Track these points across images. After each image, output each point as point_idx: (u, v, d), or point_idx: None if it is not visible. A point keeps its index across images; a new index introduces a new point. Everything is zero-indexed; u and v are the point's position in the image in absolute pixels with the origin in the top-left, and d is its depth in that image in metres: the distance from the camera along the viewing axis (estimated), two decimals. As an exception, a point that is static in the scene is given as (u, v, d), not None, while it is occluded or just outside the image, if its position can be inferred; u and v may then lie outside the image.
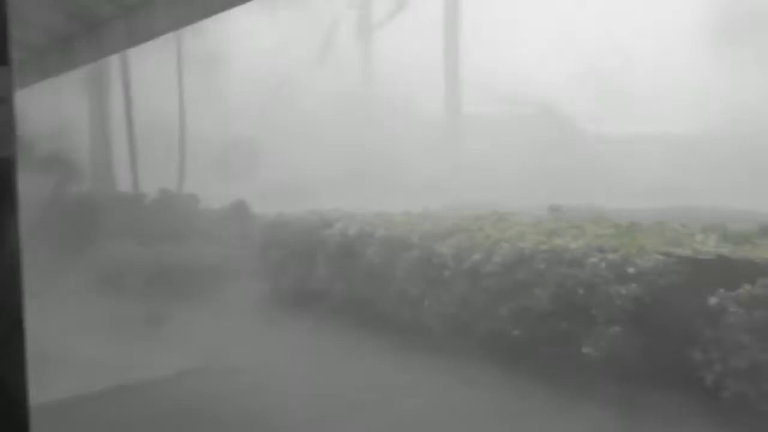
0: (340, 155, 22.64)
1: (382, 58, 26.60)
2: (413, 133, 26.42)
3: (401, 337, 7.31)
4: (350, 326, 7.95)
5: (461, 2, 24.92)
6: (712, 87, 22.71)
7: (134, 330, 8.15)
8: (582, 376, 5.67)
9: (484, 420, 5.43)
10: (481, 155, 22.58)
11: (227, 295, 9.83)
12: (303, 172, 22.01)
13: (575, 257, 5.90)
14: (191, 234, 11.57)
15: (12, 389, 1.32)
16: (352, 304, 8.23)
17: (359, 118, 24.12)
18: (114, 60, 14.37)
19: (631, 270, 5.48)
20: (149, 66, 15.85)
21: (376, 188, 18.42)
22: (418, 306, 7.22)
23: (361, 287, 8.08)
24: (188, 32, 14.36)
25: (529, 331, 6.09)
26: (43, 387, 3.25)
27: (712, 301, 4.90)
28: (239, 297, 9.81)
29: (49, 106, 14.73)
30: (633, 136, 23.16)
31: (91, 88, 16.08)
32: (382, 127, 23.85)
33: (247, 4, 5.41)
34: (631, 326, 5.42)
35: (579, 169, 20.22)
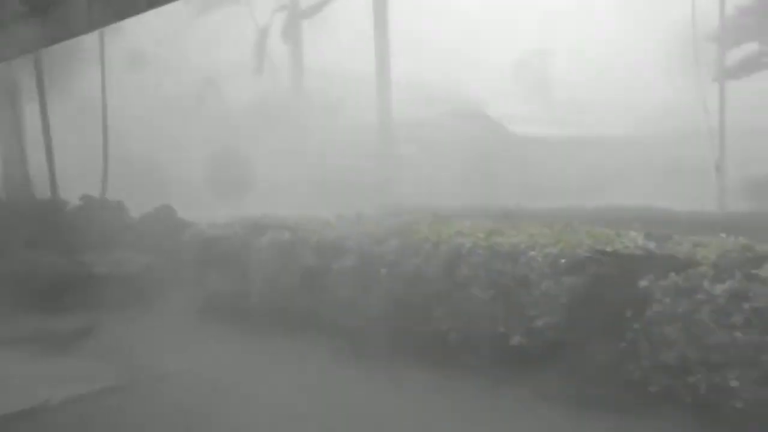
0: (272, 159, 22.24)
1: (311, 63, 26.39)
2: (345, 137, 26.32)
3: (337, 342, 7.19)
4: (284, 333, 7.75)
5: (391, 6, 24.94)
6: (637, 92, 23.65)
7: (50, 344, 7.69)
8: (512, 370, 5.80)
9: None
10: (413, 158, 22.73)
11: (154, 305, 9.44)
12: (233, 176, 21.50)
13: (512, 254, 5.97)
14: (116, 242, 11.05)
15: None
16: (287, 310, 8.05)
17: (289, 122, 23.80)
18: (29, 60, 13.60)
19: (564, 264, 5.59)
20: (68, 67, 15.12)
21: (309, 193, 18.22)
22: (355, 310, 7.13)
23: (297, 293, 7.92)
24: (111, 33, 13.81)
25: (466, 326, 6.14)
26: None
27: (642, 284, 5.05)
28: (166, 307, 9.43)
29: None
30: (561, 139, 23.87)
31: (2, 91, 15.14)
32: (313, 131, 23.62)
33: (174, 5, 5.21)
34: (564, 318, 5.53)
35: (511, 171, 20.66)
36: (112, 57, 16.80)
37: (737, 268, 4.87)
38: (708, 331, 4.75)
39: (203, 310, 9.25)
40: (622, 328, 5.19)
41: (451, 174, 20.90)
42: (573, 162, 21.59)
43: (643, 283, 5.09)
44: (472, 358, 6.10)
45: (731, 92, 19.41)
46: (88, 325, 8.41)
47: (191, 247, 9.59)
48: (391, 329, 6.78)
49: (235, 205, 11.63)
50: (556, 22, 26.53)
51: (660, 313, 4.97)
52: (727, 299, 4.72)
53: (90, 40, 13.91)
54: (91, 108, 15.39)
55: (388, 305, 6.84)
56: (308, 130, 23.28)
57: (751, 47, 21.65)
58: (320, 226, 8.07)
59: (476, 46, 26.78)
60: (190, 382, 6.44)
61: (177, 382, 6.45)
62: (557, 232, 6.27)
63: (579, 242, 5.78)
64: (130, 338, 8.10)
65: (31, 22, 5.87)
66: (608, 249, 5.52)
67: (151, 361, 7.11)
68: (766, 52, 21.77)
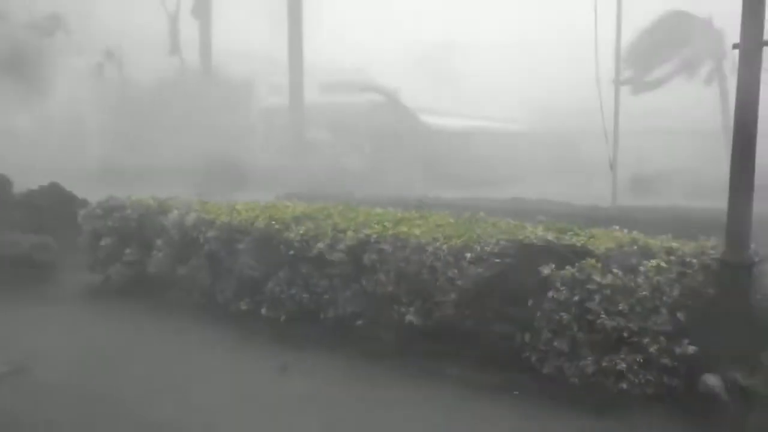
0: (179, 141, 21.44)
1: (222, 42, 25.58)
2: (255, 119, 25.75)
3: (240, 325, 7.08)
4: (185, 315, 7.54)
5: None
6: (543, 89, 24.57)
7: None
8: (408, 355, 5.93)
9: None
10: (326, 144, 22.61)
11: (48, 288, 8.90)
12: (137, 155, 20.59)
13: (419, 243, 6.06)
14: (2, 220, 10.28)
15: None
16: (189, 291, 7.83)
17: (197, 103, 23.01)
18: None
19: (468, 255, 5.75)
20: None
21: (218, 176, 17.74)
22: (259, 293, 7.03)
23: (199, 274, 7.70)
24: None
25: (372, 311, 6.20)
26: None
27: (545, 272, 5.30)
28: (61, 290, 8.91)
29: None
30: (470, 130, 24.47)
31: None
32: (220, 111, 22.94)
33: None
34: (469, 305, 5.70)
35: (422, 160, 20.97)
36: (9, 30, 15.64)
37: (623, 261, 5.19)
38: (597, 317, 5.04)
39: (98, 291, 8.83)
40: (523, 314, 5.41)
41: (364, 161, 20.96)
42: (481, 154, 22.22)
43: (545, 271, 5.32)
44: (376, 343, 6.17)
45: (626, 98, 20.57)
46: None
47: (86, 226, 9.10)
48: (299, 312, 6.75)
49: (132, 186, 11.10)
50: (471, 14, 27.07)
51: (557, 301, 5.21)
52: (613, 290, 5.03)
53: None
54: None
55: (295, 288, 6.79)
56: (216, 111, 22.58)
57: (648, 62, 23.22)
58: (227, 210, 7.87)
59: (390, 35, 26.89)
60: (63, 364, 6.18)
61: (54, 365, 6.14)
62: (464, 222, 6.42)
63: (484, 233, 5.95)
64: (19, 323, 7.58)
65: None
66: (511, 240, 5.71)
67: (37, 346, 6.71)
68: (661, 67, 23.42)
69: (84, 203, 10.06)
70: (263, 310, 7.01)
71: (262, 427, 5.05)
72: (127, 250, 8.62)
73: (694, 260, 5.21)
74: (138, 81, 24.29)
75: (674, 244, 5.45)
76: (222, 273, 7.49)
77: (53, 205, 10.50)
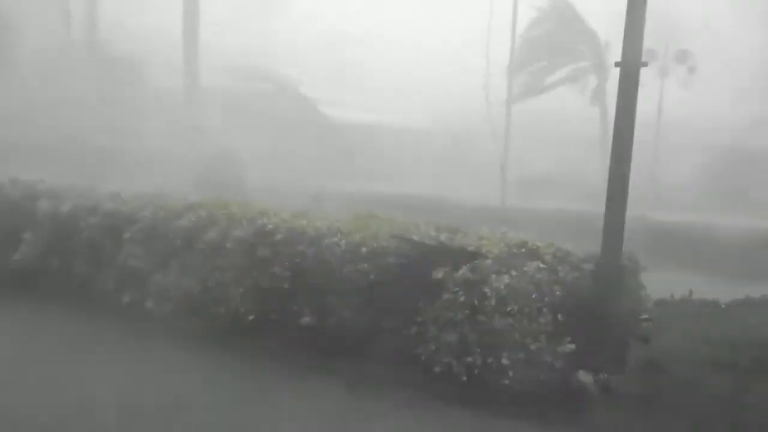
0: (52, 120, 19.91)
1: (109, 15, 24.03)
2: (144, 100, 24.45)
3: (119, 320, 6.70)
4: (59, 310, 7.02)
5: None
6: (442, 88, 25.02)
7: None
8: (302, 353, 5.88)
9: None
10: (221, 131, 21.83)
11: None
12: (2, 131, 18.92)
13: (315, 237, 6.02)
14: None
15: None
16: (65, 281, 7.29)
17: (78, 79, 21.45)
18: None
19: (364, 250, 5.77)
20: None
21: (98, 159, 16.70)
22: (143, 286, 6.69)
23: (79, 263, 7.21)
24: None
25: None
26: None
27: (438, 275, 5.40)
28: None
29: None
30: (368, 124, 24.56)
31: None
32: (106, 91, 21.54)
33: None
34: (360, 301, 5.73)
35: (321, 153, 20.81)
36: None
37: (515, 263, 5.41)
38: (488, 317, 5.23)
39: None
40: (416, 313, 5.51)
41: (259, 151, 20.45)
42: (377, 148, 22.39)
43: (437, 275, 5.42)
44: (266, 337, 6.07)
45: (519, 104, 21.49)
46: None
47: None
48: (185, 305, 6.48)
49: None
50: (381, 9, 27.09)
51: (450, 302, 5.34)
52: (507, 291, 5.24)
53: None
54: None
55: (182, 279, 6.51)
56: (99, 88, 21.16)
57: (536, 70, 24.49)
58: (108, 197, 7.41)
59: (293, 25, 26.43)
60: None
61: None
62: (361, 218, 6.42)
63: (380, 230, 5.98)
64: None
65: None
66: (406, 239, 5.79)
67: None
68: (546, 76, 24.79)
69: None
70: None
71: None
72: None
73: (579, 264, 5.52)
74: (11, 52, 22.34)
75: (559, 247, 5.73)
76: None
77: None
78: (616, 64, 5.49)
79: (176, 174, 14.69)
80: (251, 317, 6.16)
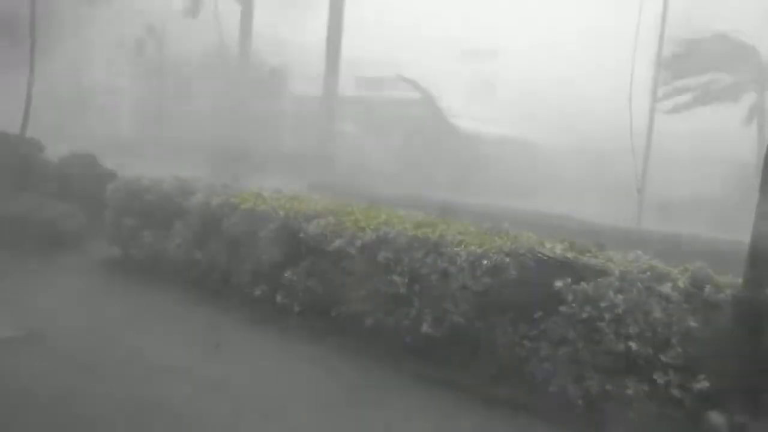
0: (208, 121, 21.64)
1: (261, 28, 25.68)
2: (288, 107, 25.82)
3: (253, 311, 7.17)
4: (202, 298, 7.65)
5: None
6: (582, 106, 24.16)
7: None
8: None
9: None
10: (355, 138, 22.57)
11: (68, 257, 9.07)
12: (167, 131, 20.83)
13: (437, 246, 6.08)
14: (32, 184, 10.49)
15: None
16: (206, 272, 7.93)
17: (232, 86, 23.15)
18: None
19: (486, 265, 5.75)
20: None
21: (242, 162, 17.85)
22: (275, 281, 7.11)
23: (218, 256, 7.82)
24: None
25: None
26: None
27: (558, 284, 5.29)
28: (82, 260, 9.09)
29: None
30: (501, 138, 24.26)
31: None
32: (256, 98, 23.06)
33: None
34: (476, 314, 5.73)
35: (451, 164, 20.85)
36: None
37: (640, 283, 5.16)
38: (603, 336, 5.02)
39: (121, 262, 9.00)
40: (531, 327, 5.41)
41: (392, 159, 20.86)
42: (508, 162, 22.05)
43: (558, 284, 5.31)
44: (381, 343, 6.22)
45: (661, 119, 20.28)
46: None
47: (115, 197, 9.25)
48: (313, 305, 6.81)
49: (161, 163, 11.26)
50: (516, 22, 26.73)
51: (567, 316, 5.20)
52: (625, 308, 5.01)
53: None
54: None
55: (309, 280, 6.86)
56: (250, 94, 22.71)
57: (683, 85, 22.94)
58: (252, 196, 7.96)
59: (431, 35, 26.68)
60: (82, 335, 6.29)
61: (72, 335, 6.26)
62: (485, 232, 6.40)
63: (504, 245, 5.94)
64: (40, 286, 7.77)
65: None
66: (530, 255, 5.70)
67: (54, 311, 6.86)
68: (693, 89, 23.13)
69: (113, 176, 10.20)
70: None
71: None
72: (146, 232, 8.73)
73: (717, 294, 5.15)
74: (177, 59, 24.57)
75: (696, 273, 5.36)
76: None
77: (84, 175, 10.69)
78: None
79: (311, 176, 15.43)
80: (369, 321, 6.35)
